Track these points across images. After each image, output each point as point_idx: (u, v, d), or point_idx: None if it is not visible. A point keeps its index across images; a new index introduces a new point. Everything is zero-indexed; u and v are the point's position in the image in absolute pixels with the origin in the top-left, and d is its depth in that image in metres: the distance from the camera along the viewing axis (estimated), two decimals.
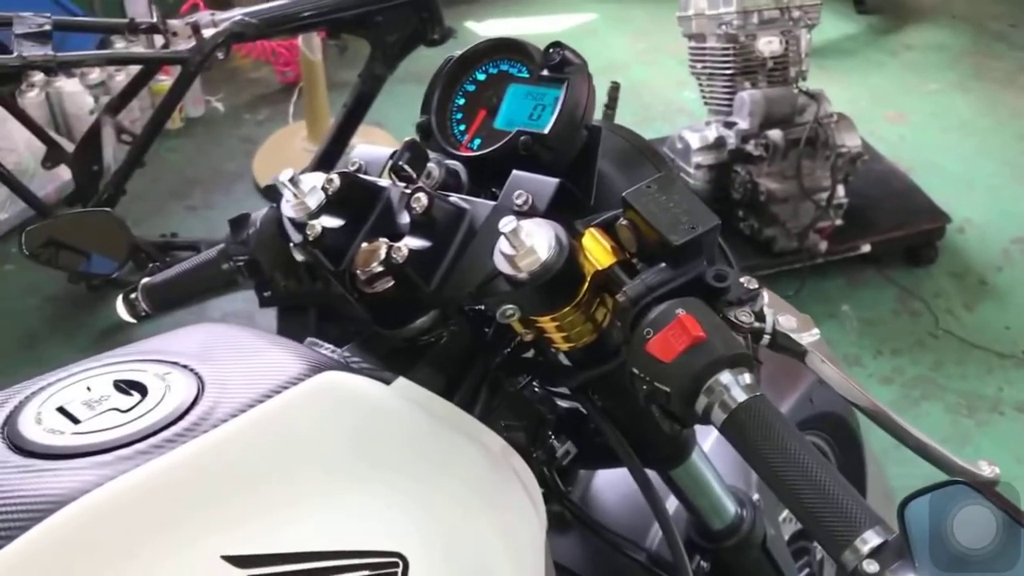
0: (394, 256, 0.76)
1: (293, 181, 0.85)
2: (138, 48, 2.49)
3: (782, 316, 0.76)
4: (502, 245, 0.73)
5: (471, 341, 0.86)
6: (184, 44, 2.28)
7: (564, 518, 1.12)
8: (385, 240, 0.79)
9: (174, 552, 0.56)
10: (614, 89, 2.84)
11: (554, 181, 0.79)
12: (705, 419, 0.69)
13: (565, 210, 0.80)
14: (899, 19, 4.27)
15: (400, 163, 0.82)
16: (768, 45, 2.52)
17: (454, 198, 0.80)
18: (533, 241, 0.73)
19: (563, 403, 0.96)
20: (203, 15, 2.31)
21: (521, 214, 0.77)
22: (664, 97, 3.62)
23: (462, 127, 0.90)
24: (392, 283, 0.78)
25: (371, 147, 0.91)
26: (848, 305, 2.71)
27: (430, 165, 0.83)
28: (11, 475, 0.58)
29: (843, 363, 2.41)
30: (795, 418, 1.36)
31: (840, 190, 2.58)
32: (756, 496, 1.10)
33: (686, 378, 0.68)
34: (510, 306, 0.75)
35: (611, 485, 1.18)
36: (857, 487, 1.46)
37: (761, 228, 2.59)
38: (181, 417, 0.63)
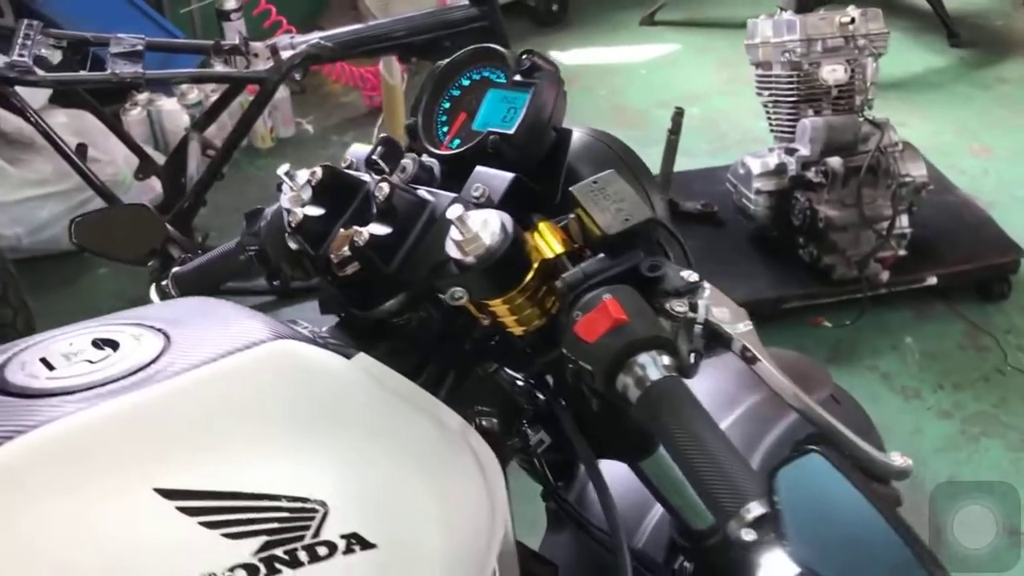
0: (356, 239, 0.83)
1: (289, 175, 0.93)
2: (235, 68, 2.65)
3: (717, 308, 0.81)
4: (452, 232, 0.80)
5: (440, 326, 0.92)
6: (264, 65, 2.43)
7: (560, 516, 1.17)
8: (358, 227, 0.86)
9: (112, 481, 0.63)
10: (678, 115, 2.88)
11: (509, 176, 0.85)
12: (624, 398, 0.74)
13: (525, 205, 0.86)
14: (994, 53, 4.17)
15: (374, 157, 0.90)
16: (832, 73, 2.52)
17: (421, 191, 0.87)
18: (479, 228, 0.79)
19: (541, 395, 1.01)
20: (282, 38, 2.46)
21: (478, 206, 0.83)
22: (741, 126, 3.63)
23: (445, 129, 0.97)
24: (359, 266, 0.85)
25: (364, 146, 0.99)
26: (912, 337, 2.66)
27: (404, 161, 0.91)
28: None
29: (902, 396, 2.37)
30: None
31: (904, 220, 2.55)
32: None
33: (606, 357, 0.73)
34: (458, 288, 0.81)
35: (609, 485, 1.22)
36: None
37: (820, 256, 2.58)
38: (141, 370, 0.71)
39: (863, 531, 0.58)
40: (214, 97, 3.35)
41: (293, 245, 0.95)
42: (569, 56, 4.23)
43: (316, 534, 0.67)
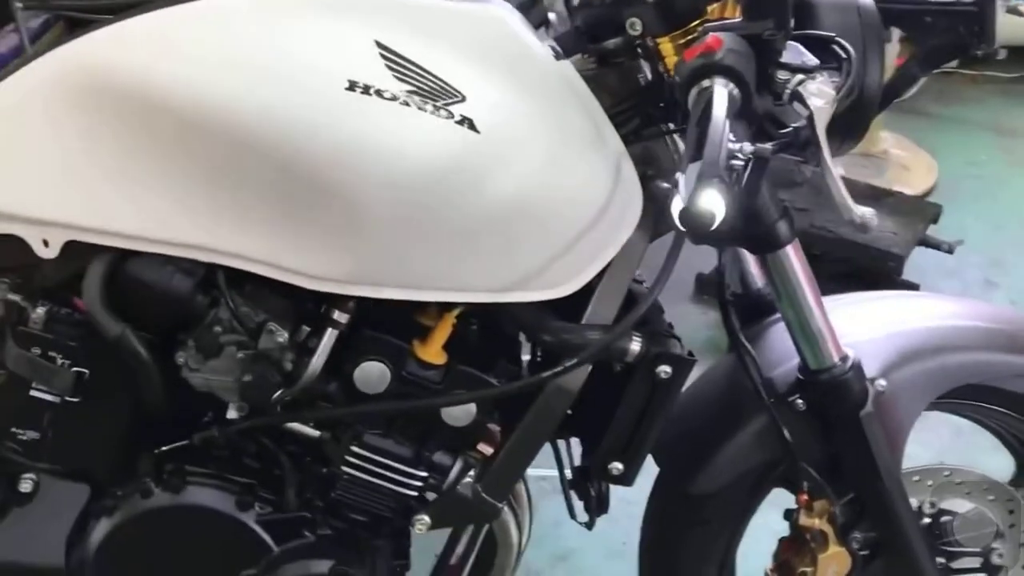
0: None
1: None
2: None
3: (812, 84, 0.96)
4: None
5: (637, 83, 1.10)
6: None
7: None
8: None
9: (355, 20, 0.98)
10: None
11: None
12: (690, 104, 0.94)
13: None
14: None
15: None
16: None
17: None
18: None
19: None
20: None
21: None
22: None
23: None
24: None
25: None
26: None
27: None
28: None
29: None
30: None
31: None
32: (871, 368, 1.20)
33: (688, 70, 0.94)
34: (636, 19, 1.05)
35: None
36: None
37: None
38: None
39: None
40: None
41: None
42: None
43: (446, 105, 0.96)
